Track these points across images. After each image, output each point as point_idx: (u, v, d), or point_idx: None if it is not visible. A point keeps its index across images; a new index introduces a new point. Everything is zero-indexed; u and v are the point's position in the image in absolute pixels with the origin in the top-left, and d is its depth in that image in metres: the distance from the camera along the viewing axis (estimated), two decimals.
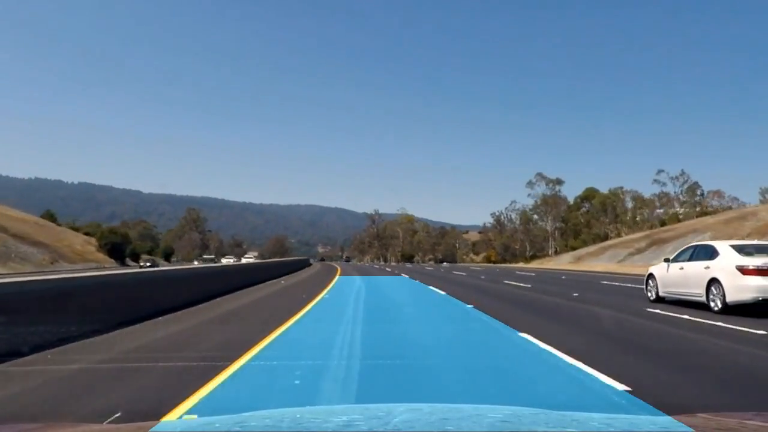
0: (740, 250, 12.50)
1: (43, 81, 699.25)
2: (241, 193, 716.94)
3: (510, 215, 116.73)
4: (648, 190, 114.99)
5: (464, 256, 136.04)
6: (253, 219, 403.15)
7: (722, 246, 12.92)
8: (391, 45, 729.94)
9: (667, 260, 14.52)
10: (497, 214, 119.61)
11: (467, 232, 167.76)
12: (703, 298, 12.47)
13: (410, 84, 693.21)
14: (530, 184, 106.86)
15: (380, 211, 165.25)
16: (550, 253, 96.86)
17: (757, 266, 11.63)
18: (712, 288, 12.25)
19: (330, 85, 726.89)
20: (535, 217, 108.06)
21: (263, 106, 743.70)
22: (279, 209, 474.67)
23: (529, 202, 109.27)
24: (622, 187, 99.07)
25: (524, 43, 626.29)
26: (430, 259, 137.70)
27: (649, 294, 14.84)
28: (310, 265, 63.71)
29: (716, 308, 12.03)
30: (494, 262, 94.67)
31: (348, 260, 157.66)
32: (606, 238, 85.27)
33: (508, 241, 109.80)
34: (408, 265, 77.87)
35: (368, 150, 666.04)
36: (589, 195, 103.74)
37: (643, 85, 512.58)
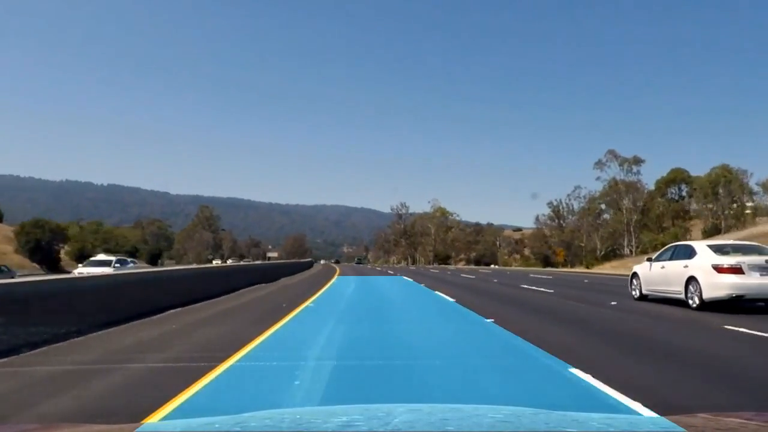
0: (718, 249, 13.07)
1: (72, 83, 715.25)
2: (267, 193, 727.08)
3: (571, 205, 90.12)
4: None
5: (507, 257, 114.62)
6: (280, 219, 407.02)
7: (700, 246, 13.52)
8: (411, 40, 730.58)
9: (649, 259, 15.13)
10: (555, 203, 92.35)
11: (503, 231, 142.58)
12: (683, 296, 13.07)
13: (434, 78, 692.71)
14: (599, 164, 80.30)
15: (409, 210, 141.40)
16: (627, 251, 74.91)
17: (731, 265, 12.21)
18: (690, 286, 12.85)
19: (355, 84, 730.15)
20: (602, 206, 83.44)
21: (289, 107, 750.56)
22: (305, 209, 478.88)
23: (595, 187, 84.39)
24: (728, 166, 73.44)
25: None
26: (462, 260, 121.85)
27: (634, 292, 15.45)
28: (311, 267, 60.65)
29: (694, 305, 12.63)
30: (552, 265, 76.83)
31: (359, 262, 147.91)
32: (717, 231, 65.59)
33: (569, 237, 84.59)
34: (433, 270, 58.18)
35: (395, 148, 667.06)
36: (677, 177, 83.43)
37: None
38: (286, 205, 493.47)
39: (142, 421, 3.75)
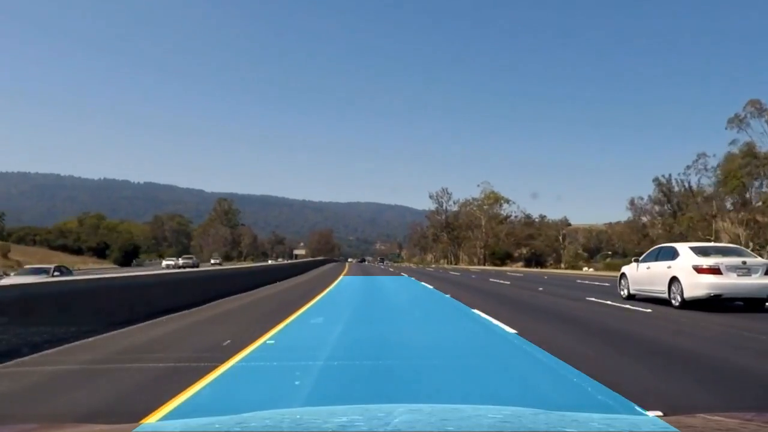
0: (699, 251, 13.75)
1: (110, 83, 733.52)
2: (300, 191, 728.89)
3: (687, 181, 64.46)
4: None
5: (570, 256, 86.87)
6: (313, 217, 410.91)
7: (682, 247, 14.22)
8: (452, 36, 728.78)
9: (636, 260, 15.89)
10: (664, 180, 67.17)
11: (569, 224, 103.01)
12: (666, 295, 13.79)
13: (469, 71, 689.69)
14: (736, 120, 55.89)
15: (452, 198, 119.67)
16: None
17: (710, 265, 12.90)
18: (673, 286, 13.57)
19: (389, 80, 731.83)
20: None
21: (322, 104, 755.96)
22: (338, 207, 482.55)
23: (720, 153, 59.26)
24: None
25: None
26: (520, 255, 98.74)
27: (622, 292, 16.17)
28: (320, 266, 60.47)
29: (676, 303, 13.35)
30: None
31: (382, 260, 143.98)
32: None
33: (687, 226, 58.44)
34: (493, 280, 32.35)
35: (429, 145, 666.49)
36: None
37: None
38: (319, 203, 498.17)
39: (141, 421, 3.67)
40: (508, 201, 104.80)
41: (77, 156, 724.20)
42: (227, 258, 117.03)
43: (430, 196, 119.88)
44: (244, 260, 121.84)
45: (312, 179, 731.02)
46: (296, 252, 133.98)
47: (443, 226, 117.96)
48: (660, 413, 4.33)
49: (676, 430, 1.39)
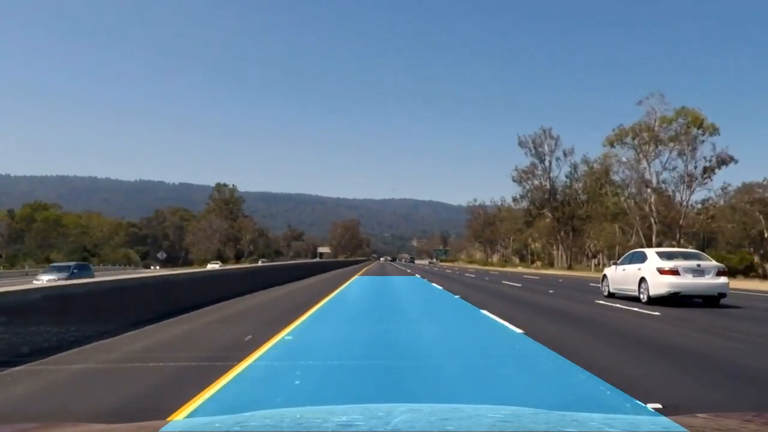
0: (664, 255, 16.28)
1: (145, 84, 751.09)
2: (335, 189, 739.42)
3: None
4: None
5: None
6: (347, 214, 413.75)
7: (650, 252, 16.82)
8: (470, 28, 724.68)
9: (615, 263, 18.45)
10: None
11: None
12: (637, 293, 16.33)
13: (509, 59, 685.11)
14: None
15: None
16: None
17: (670, 267, 15.42)
18: (642, 285, 16.11)
19: (421, 74, 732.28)
20: None
21: (356, 101, 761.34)
22: (373, 204, 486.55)
23: None
24: None
25: None
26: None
27: (604, 291, 18.71)
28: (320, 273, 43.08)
29: (644, 300, 15.86)
30: None
31: (412, 261, 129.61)
32: None
33: None
34: None
35: (464, 138, 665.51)
36: None
37: None
38: (353, 200, 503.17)
39: (168, 419, 3.53)
40: (713, 129, 53.08)
41: (113, 158, 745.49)
42: (220, 258, 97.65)
43: (521, 143, 72.88)
44: (242, 261, 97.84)
45: (346, 177, 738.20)
46: (321, 250, 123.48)
47: (547, 198, 72.87)
48: (659, 405, 4.89)
49: (676, 430, 1.42)
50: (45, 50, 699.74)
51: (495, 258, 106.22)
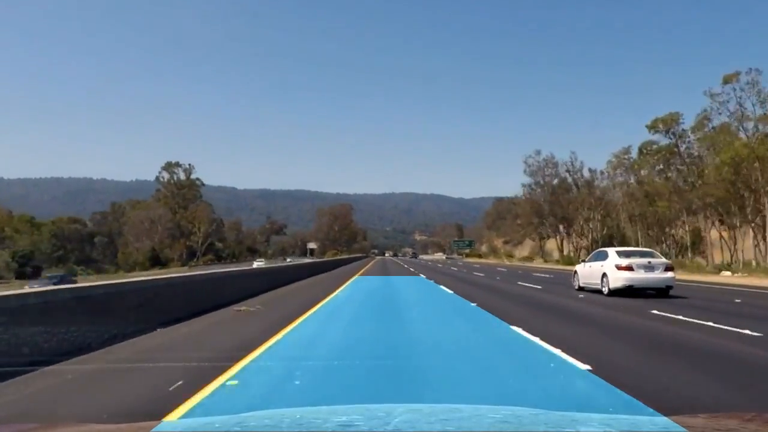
0: (622, 254, 19.23)
1: (137, 84, 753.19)
2: (334, 184, 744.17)
3: None
4: None
5: None
6: None
7: (611, 251, 19.86)
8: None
9: (583, 261, 21.40)
10: None
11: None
12: (600, 287, 19.28)
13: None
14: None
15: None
16: None
17: (625, 264, 18.37)
18: (603, 279, 19.06)
19: (420, 70, 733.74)
20: None
21: (353, 96, 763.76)
22: (373, 199, 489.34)
23: None
24: None
25: None
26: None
27: (575, 285, 21.63)
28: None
29: (606, 292, 18.81)
30: None
31: (415, 256, 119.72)
32: None
33: None
34: None
35: (463, 131, 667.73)
36: None
37: None
38: (353, 195, 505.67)
39: (163, 419, 3.62)
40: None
41: (108, 159, 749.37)
42: (155, 262, 77.13)
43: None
44: (193, 264, 79.82)
45: (345, 172, 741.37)
46: (310, 246, 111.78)
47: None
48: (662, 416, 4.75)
49: (676, 430, 1.46)
50: (40, 51, 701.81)
51: (570, 248, 75.79)
